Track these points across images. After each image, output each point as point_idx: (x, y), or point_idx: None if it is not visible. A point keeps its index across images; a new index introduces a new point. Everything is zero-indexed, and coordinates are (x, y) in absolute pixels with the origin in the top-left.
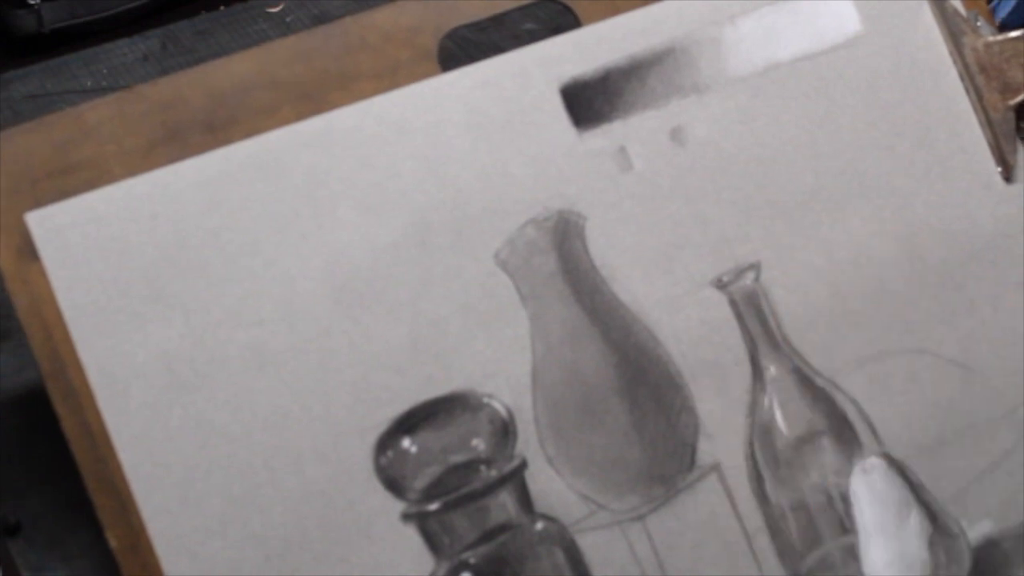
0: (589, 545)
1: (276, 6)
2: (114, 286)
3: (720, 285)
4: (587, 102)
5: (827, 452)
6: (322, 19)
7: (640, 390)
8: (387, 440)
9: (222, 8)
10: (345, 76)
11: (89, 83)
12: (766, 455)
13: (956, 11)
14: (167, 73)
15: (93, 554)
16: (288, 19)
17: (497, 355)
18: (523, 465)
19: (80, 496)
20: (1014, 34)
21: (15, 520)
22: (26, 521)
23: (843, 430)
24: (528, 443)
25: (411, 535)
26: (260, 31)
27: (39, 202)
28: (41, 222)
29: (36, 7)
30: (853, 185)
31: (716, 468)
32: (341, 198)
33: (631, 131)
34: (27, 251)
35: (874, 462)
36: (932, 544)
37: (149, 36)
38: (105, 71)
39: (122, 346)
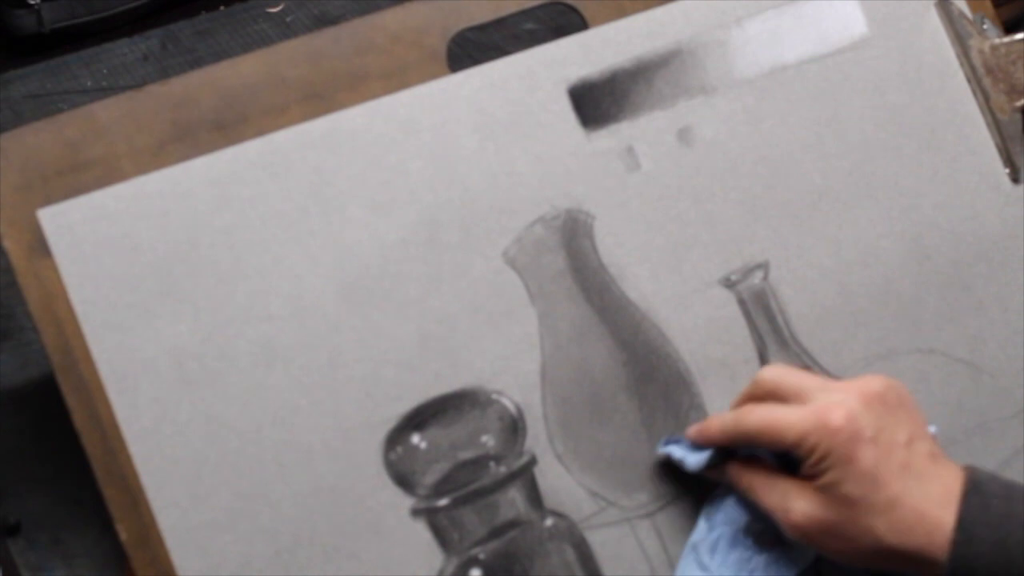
0: (599, 542)
1: (276, 6)
2: (125, 282)
3: (729, 284)
4: (594, 103)
5: None
6: (322, 19)
7: (649, 388)
8: (396, 436)
9: (222, 8)
10: (354, 76)
11: (89, 83)
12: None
13: (962, 13)
14: (167, 73)
15: (93, 554)
16: (288, 19)
17: (506, 352)
18: (532, 461)
19: (80, 496)
20: (1020, 36)
21: (15, 520)
22: (26, 521)
23: None
24: (537, 440)
25: (420, 531)
26: (260, 31)
27: (51, 199)
28: (53, 219)
29: (36, 7)
30: (861, 186)
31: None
32: (350, 197)
33: (638, 131)
34: (39, 247)
35: None
36: None
37: (149, 36)
38: (105, 71)
39: (133, 341)
